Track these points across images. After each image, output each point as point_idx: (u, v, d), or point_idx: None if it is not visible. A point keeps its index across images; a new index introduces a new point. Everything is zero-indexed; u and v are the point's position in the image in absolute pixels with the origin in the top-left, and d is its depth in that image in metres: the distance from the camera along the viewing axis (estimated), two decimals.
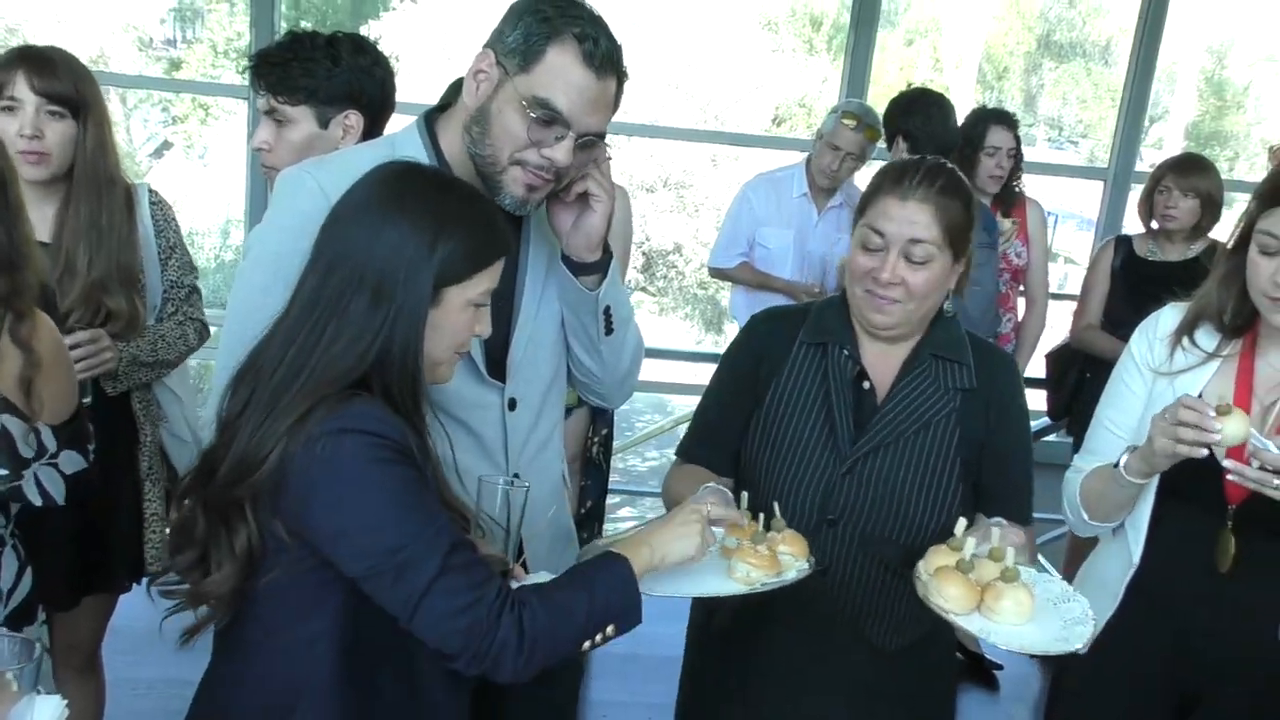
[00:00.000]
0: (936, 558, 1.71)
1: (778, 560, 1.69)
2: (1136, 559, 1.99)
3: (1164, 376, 1.99)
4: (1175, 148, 9.68)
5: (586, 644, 1.50)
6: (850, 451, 1.93)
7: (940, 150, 3.56)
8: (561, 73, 1.67)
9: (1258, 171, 8.92)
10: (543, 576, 1.61)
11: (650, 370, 5.65)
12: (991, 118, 4.00)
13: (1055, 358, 4.32)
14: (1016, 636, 1.60)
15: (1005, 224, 3.99)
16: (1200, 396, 1.87)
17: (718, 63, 10.23)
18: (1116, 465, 1.90)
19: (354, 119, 2.23)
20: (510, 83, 1.69)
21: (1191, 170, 3.84)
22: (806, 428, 1.97)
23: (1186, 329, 2.00)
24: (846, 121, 3.90)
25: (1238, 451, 1.85)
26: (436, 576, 1.39)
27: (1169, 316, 2.05)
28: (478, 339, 1.77)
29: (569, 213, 1.81)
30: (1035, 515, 3.16)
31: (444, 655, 1.44)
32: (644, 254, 10.76)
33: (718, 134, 9.54)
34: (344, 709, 1.49)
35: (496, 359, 1.88)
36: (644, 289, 10.98)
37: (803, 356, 2.01)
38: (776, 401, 2.00)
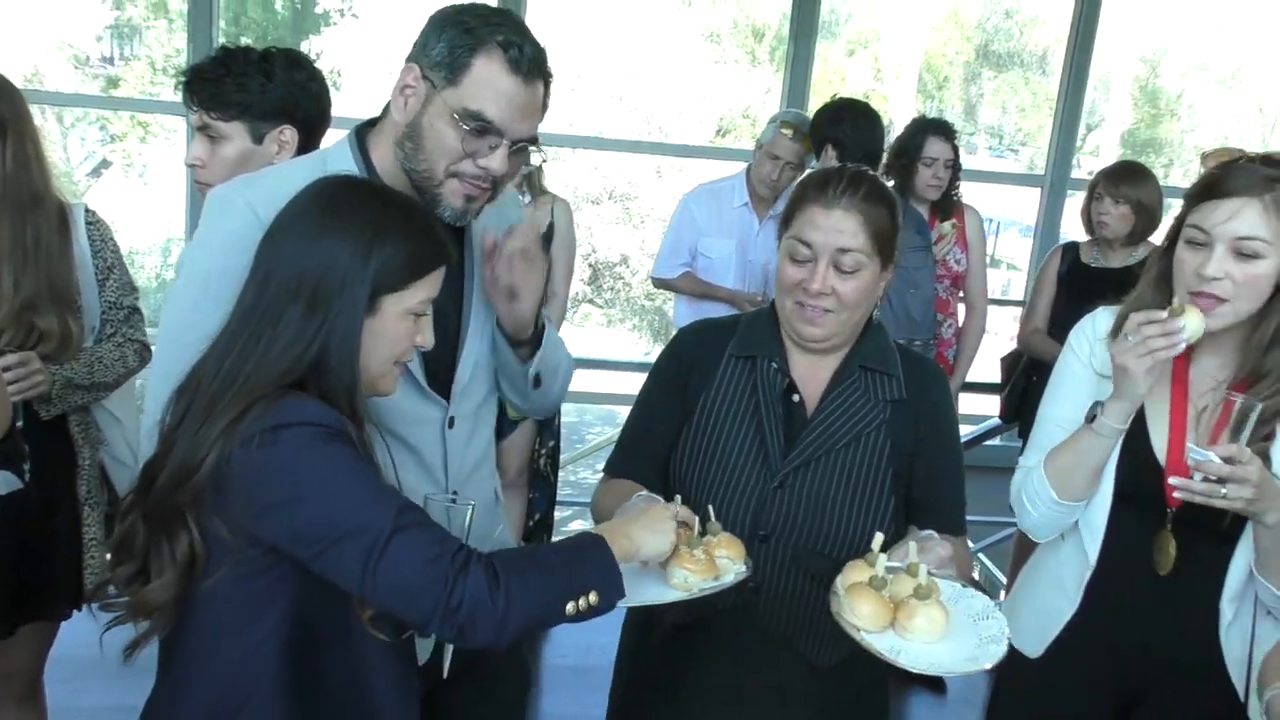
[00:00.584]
0: (852, 573, 1.69)
1: (715, 564, 1.68)
2: (1093, 559, 2.01)
3: (1107, 379, 2.00)
4: (1111, 155, 9.87)
5: (570, 606, 1.46)
6: (781, 466, 1.91)
7: (869, 157, 3.64)
8: (490, 82, 1.68)
9: (1192, 177, 9.06)
10: None
11: (599, 381, 5.70)
12: (929, 128, 4.06)
13: (1007, 361, 4.40)
14: (925, 656, 1.58)
15: (945, 227, 4.04)
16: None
17: (661, 75, 10.26)
18: (1090, 422, 1.91)
19: (289, 134, 2.22)
20: (439, 96, 1.70)
21: (1123, 179, 3.93)
22: (737, 442, 1.94)
23: (1120, 329, 2.03)
24: (785, 131, 3.94)
25: (1177, 464, 1.91)
26: (392, 534, 1.37)
27: (1104, 319, 2.08)
28: (419, 352, 1.77)
29: (501, 295, 1.84)
30: (986, 518, 3.20)
31: (413, 621, 1.42)
32: (590, 266, 10.77)
33: (662, 145, 9.58)
34: (290, 711, 1.48)
35: (434, 373, 1.88)
36: (591, 301, 10.99)
37: (731, 370, 1.99)
38: (706, 415, 1.98)
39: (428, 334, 1.59)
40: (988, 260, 4.52)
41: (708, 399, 1.98)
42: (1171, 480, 1.81)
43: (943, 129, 4.06)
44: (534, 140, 1.76)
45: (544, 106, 1.77)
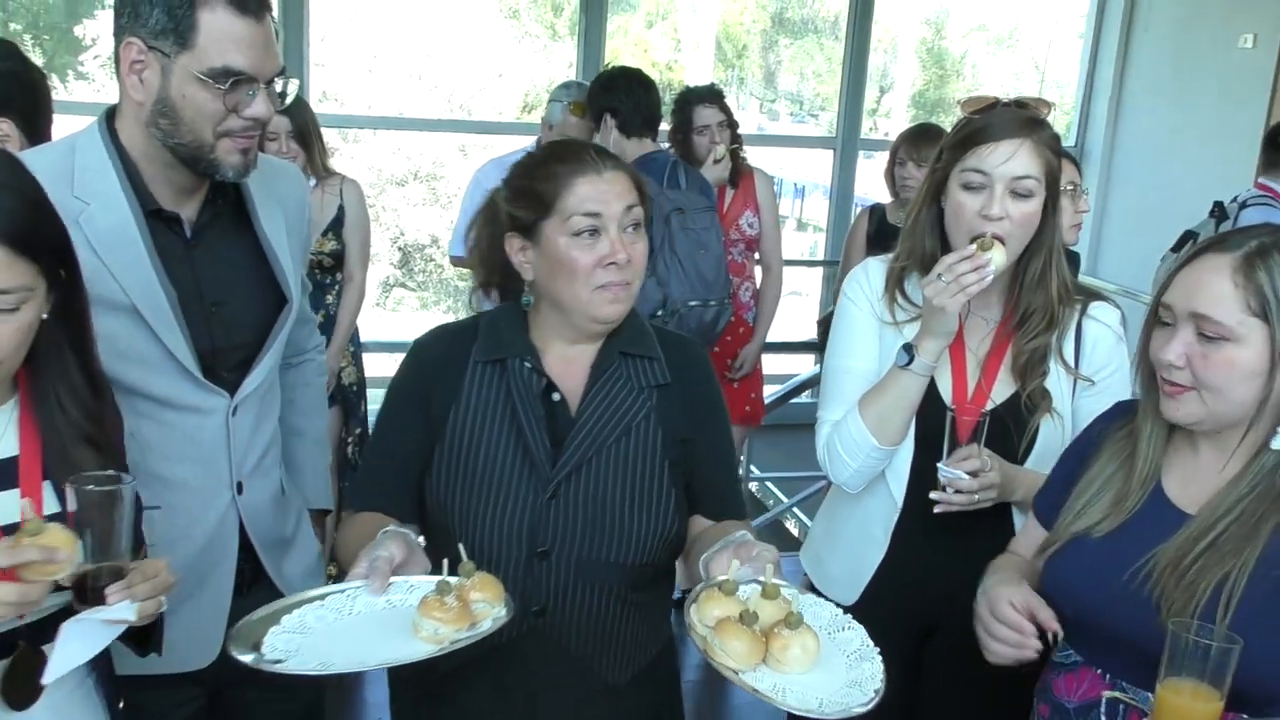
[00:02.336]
0: (712, 606, 1.52)
1: (470, 611, 1.50)
2: (900, 502, 2.11)
3: (891, 327, 2.10)
4: (903, 116, 10.22)
5: None
6: (552, 474, 1.76)
7: (647, 124, 3.72)
8: (225, 33, 1.64)
9: None
10: (123, 609, 1.39)
11: None
12: (693, 98, 4.15)
13: (824, 322, 4.53)
14: (811, 691, 1.44)
15: (720, 150, 4.07)
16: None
17: (461, 52, 10.12)
18: (905, 365, 1.99)
19: (6, 126, 2.10)
20: (176, 65, 1.65)
21: (923, 142, 4.08)
22: (499, 455, 1.78)
23: (895, 284, 2.11)
24: (573, 110, 3.97)
25: (962, 403, 2.05)
26: None
27: (875, 269, 2.17)
28: (183, 340, 1.73)
29: None
30: (800, 474, 3.33)
31: None
32: (400, 249, 10.56)
33: (465, 123, 9.45)
34: None
35: (218, 355, 1.84)
36: (403, 285, 10.78)
37: (480, 377, 1.82)
38: (460, 431, 1.80)
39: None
40: (784, 222, 4.63)
41: (458, 412, 1.81)
42: (932, 495, 1.96)
43: (706, 95, 4.15)
44: (282, 71, 1.74)
45: (276, 31, 1.75)
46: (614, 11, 8.80)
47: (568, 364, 1.84)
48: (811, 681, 1.46)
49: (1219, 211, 4.33)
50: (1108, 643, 1.65)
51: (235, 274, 1.87)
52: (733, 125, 4.17)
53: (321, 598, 1.53)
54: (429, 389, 1.83)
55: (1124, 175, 6.79)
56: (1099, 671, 1.70)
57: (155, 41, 1.65)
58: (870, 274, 2.17)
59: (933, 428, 2.04)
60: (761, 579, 1.54)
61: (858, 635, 1.57)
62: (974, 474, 1.93)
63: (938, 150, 2.09)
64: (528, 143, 4.29)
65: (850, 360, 2.14)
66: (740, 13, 11.37)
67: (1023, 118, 1.99)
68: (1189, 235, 4.37)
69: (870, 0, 6.07)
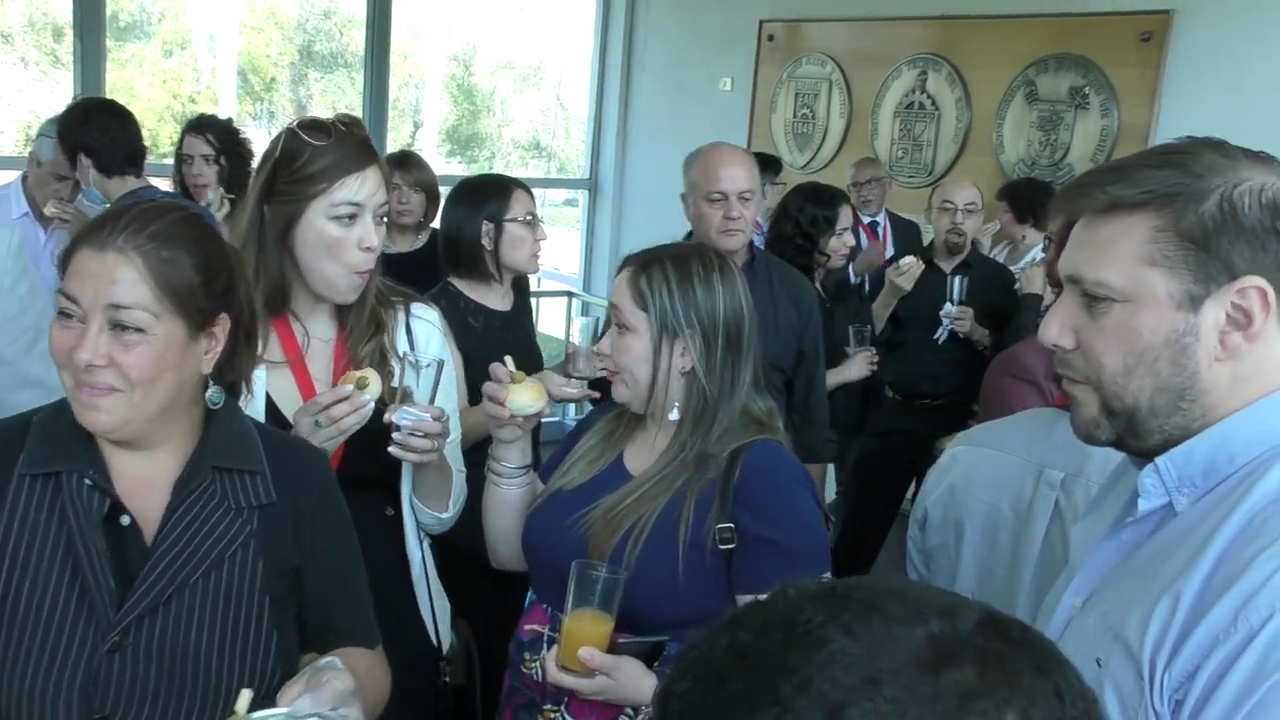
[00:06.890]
0: None
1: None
2: None
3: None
4: (434, 150, 10.46)
5: None
6: (116, 618, 1.42)
7: (129, 160, 3.50)
8: None
9: (513, 168, 9.96)
10: None
11: None
12: (188, 128, 4.01)
13: None
14: None
15: (209, 195, 3.92)
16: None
17: None
18: None
19: None
20: None
21: (411, 167, 4.18)
22: (48, 596, 1.42)
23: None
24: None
25: None
26: None
27: None
28: None
29: None
30: None
31: None
32: None
33: None
34: None
35: None
36: None
37: (27, 495, 1.46)
38: None
39: None
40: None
41: None
42: (395, 442, 1.92)
43: (195, 124, 4.00)
44: None
45: None
46: (127, 39, 8.31)
47: (143, 480, 1.51)
48: None
49: None
50: (554, 580, 1.87)
51: None
52: (224, 159, 4.00)
53: None
54: None
55: (634, 205, 7.37)
56: (545, 607, 1.96)
57: None
58: None
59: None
60: (324, 712, 1.33)
61: None
62: (438, 419, 1.93)
63: (270, 182, 2.00)
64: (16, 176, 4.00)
65: None
66: (265, 45, 11.12)
67: (367, 142, 2.02)
68: None
69: (387, 34, 6.18)
